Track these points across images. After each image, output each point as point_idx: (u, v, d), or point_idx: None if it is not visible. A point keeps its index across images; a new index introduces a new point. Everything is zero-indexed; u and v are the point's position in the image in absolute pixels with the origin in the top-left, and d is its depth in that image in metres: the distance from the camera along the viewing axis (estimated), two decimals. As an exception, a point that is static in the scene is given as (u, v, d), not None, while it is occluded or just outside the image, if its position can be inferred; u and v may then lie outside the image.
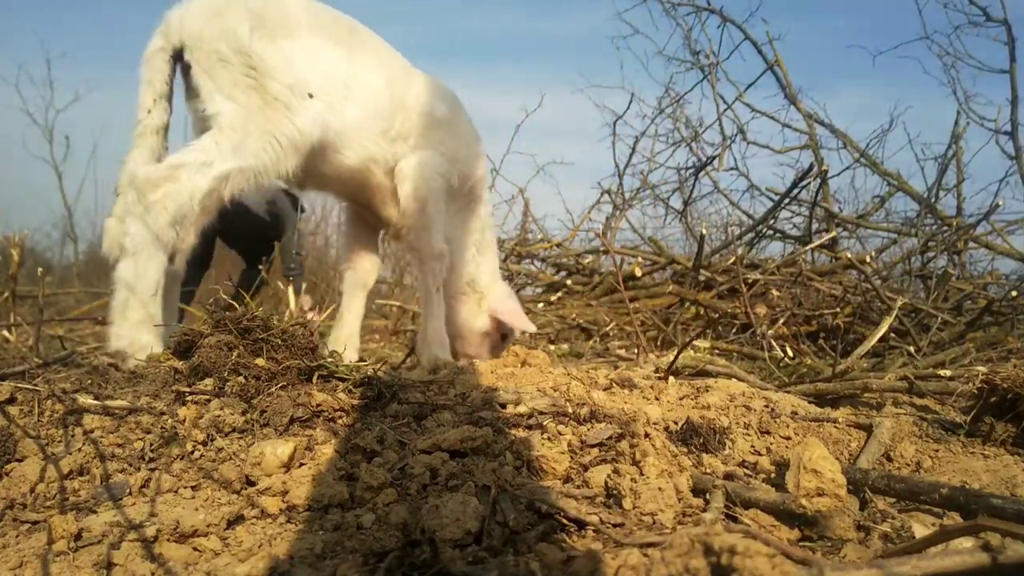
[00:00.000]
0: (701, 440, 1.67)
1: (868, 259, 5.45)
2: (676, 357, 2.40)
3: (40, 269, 2.83)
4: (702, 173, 7.69)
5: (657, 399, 2.00)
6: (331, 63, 2.46)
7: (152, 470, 1.40)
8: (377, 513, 1.18)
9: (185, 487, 1.35)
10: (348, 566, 1.00)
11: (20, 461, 1.39)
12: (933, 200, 6.45)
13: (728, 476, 1.45)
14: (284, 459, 1.40)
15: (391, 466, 1.37)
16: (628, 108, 10.00)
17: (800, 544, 1.22)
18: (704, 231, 5.82)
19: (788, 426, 1.84)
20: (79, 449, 1.43)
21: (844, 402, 2.45)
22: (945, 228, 5.87)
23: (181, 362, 1.81)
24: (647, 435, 1.53)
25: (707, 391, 2.06)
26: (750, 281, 5.04)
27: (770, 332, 4.19)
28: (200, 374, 1.73)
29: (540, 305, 5.67)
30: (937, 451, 1.79)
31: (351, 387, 1.78)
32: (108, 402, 1.59)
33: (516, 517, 1.16)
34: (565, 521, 1.19)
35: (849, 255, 5.32)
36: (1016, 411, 1.80)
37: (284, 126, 2.31)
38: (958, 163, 6.46)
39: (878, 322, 3.55)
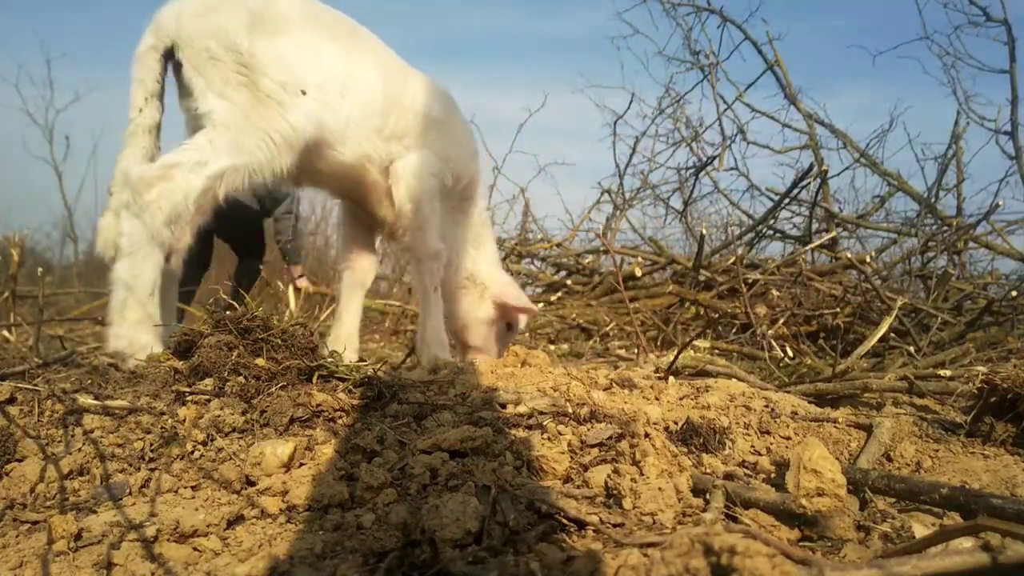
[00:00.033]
0: (701, 440, 1.67)
1: (868, 259, 5.46)
2: (676, 357, 2.40)
3: (40, 269, 2.83)
4: (702, 173, 7.70)
5: (657, 399, 2.00)
6: (326, 60, 2.46)
7: (152, 470, 1.40)
8: (377, 513, 1.18)
9: (185, 487, 1.35)
10: (348, 566, 1.00)
11: (20, 461, 1.39)
12: (933, 200, 6.46)
13: (728, 476, 1.45)
14: (284, 459, 1.40)
15: (391, 466, 1.37)
16: (628, 108, 10.05)
17: (800, 544, 1.22)
18: (704, 231, 5.83)
19: (788, 426, 1.84)
20: (79, 449, 1.43)
21: (844, 402, 2.45)
22: (945, 228, 5.87)
23: (181, 362, 1.81)
24: (647, 435, 1.53)
25: (707, 391, 2.06)
26: (750, 281, 5.05)
27: (770, 332, 4.19)
28: (200, 374, 1.73)
29: (540, 305, 5.67)
30: (937, 451, 1.79)
31: (351, 387, 1.78)
32: (108, 402, 1.59)
33: (516, 517, 1.16)
34: (565, 521, 1.19)
35: (849, 255, 5.33)
36: (1016, 411, 1.80)
37: (277, 123, 2.30)
38: (958, 163, 6.46)
39: (878, 322, 3.55)
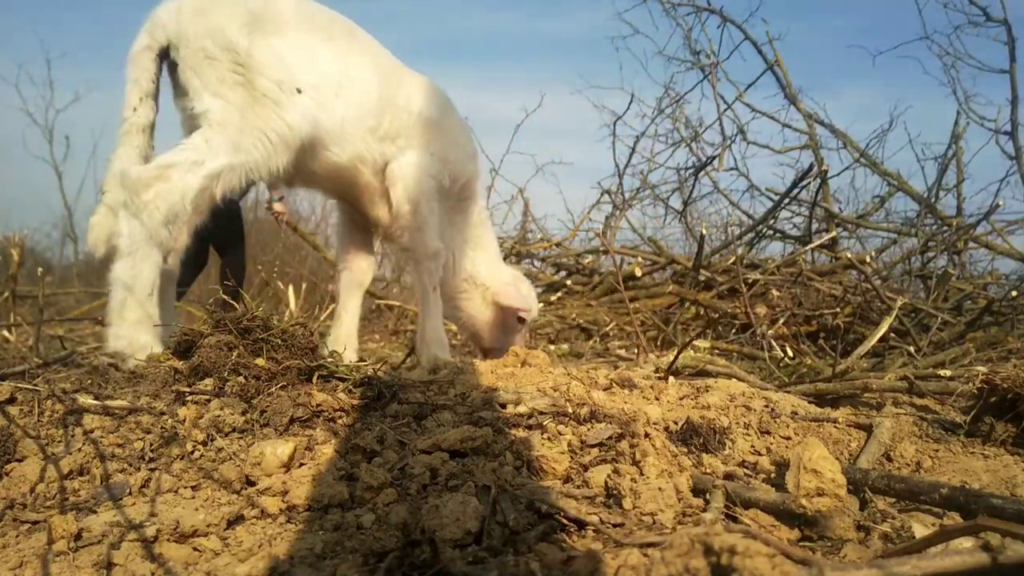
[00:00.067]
0: (701, 440, 1.67)
1: (868, 259, 5.46)
2: (676, 357, 2.40)
3: (40, 269, 2.83)
4: (702, 173, 7.70)
5: (657, 399, 2.00)
6: (321, 60, 2.47)
7: (152, 470, 1.40)
8: (377, 513, 1.18)
9: (185, 487, 1.35)
10: (348, 566, 1.00)
11: (20, 461, 1.39)
12: (933, 200, 6.46)
13: (728, 476, 1.45)
14: (284, 459, 1.40)
15: (391, 466, 1.37)
16: (628, 108, 10.02)
17: (800, 544, 1.22)
18: (704, 231, 5.83)
19: (788, 426, 1.84)
20: (79, 449, 1.43)
21: (844, 402, 2.45)
22: (945, 228, 5.87)
23: (181, 362, 1.81)
24: (647, 435, 1.53)
25: (707, 391, 2.06)
26: (750, 281, 5.05)
27: (770, 332, 4.19)
28: (200, 374, 1.73)
29: (540, 305, 5.67)
30: (937, 451, 1.79)
31: (351, 387, 1.78)
32: (108, 402, 1.59)
33: (516, 517, 1.16)
34: (565, 521, 1.19)
35: (849, 255, 5.33)
36: (1016, 411, 1.80)
37: (273, 122, 2.31)
38: (958, 163, 6.47)
39: (878, 322, 3.55)
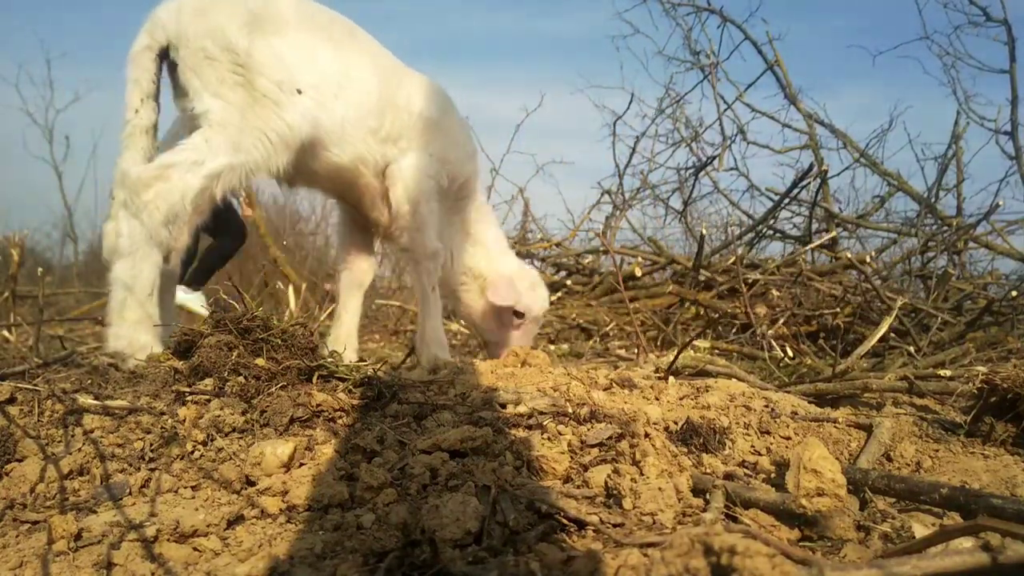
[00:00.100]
0: (701, 440, 1.67)
1: (868, 259, 5.46)
2: (676, 357, 2.40)
3: (40, 269, 2.83)
4: (702, 173, 7.69)
5: (657, 399, 2.00)
6: (321, 60, 2.47)
7: (152, 470, 1.40)
8: (377, 513, 1.18)
9: (185, 487, 1.35)
10: (348, 566, 1.00)
11: (20, 461, 1.39)
12: (933, 200, 6.46)
13: (728, 476, 1.45)
14: (284, 459, 1.40)
15: (391, 466, 1.37)
16: (628, 108, 10.00)
17: (800, 544, 1.22)
18: (704, 231, 5.83)
19: (788, 426, 1.84)
20: (79, 449, 1.43)
21: (844, 402, 2.45)
22: (945, 228, 5.87)
23: (181, 362, 1.81)
24: (647, 435, 1.53)
25: (707, 391, 2.06)
26: (750, 281, 5.05)
27: (770, 332, 4.19)
28: (200, 374, 1.73)
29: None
30: (937, 451, 1.79)
31: (351, 387, 1.78)
32: (108, 402, 1.59)
33: (516, 517, 1.16)
34: (565, 521, 1.19)
35: (849, 255, 5.32)
36: (1016, 411, 1.80)
37: (273, 122, 2.31)
38: (958, 163, 6.46)
39: (878, 322, 3.55)
